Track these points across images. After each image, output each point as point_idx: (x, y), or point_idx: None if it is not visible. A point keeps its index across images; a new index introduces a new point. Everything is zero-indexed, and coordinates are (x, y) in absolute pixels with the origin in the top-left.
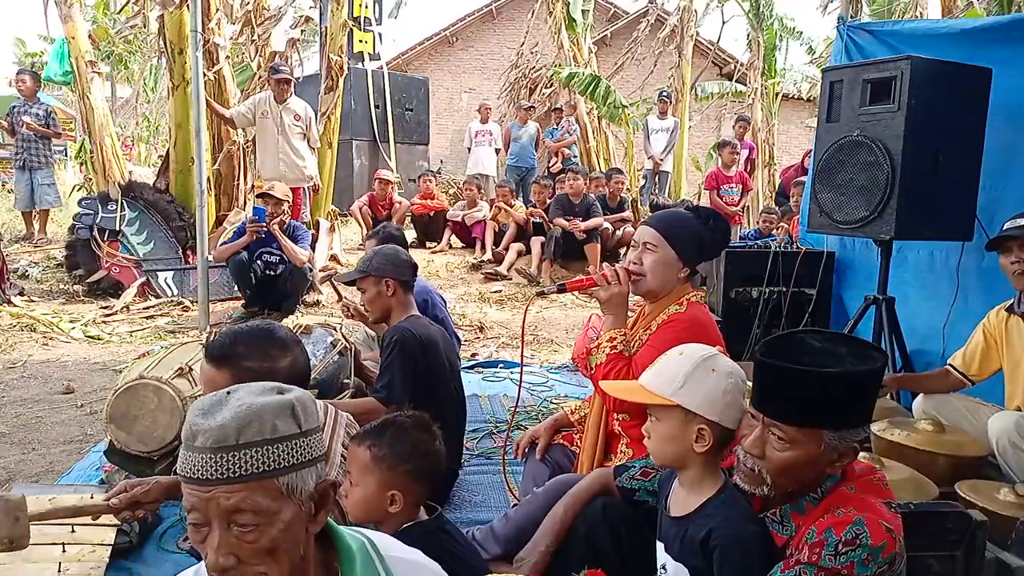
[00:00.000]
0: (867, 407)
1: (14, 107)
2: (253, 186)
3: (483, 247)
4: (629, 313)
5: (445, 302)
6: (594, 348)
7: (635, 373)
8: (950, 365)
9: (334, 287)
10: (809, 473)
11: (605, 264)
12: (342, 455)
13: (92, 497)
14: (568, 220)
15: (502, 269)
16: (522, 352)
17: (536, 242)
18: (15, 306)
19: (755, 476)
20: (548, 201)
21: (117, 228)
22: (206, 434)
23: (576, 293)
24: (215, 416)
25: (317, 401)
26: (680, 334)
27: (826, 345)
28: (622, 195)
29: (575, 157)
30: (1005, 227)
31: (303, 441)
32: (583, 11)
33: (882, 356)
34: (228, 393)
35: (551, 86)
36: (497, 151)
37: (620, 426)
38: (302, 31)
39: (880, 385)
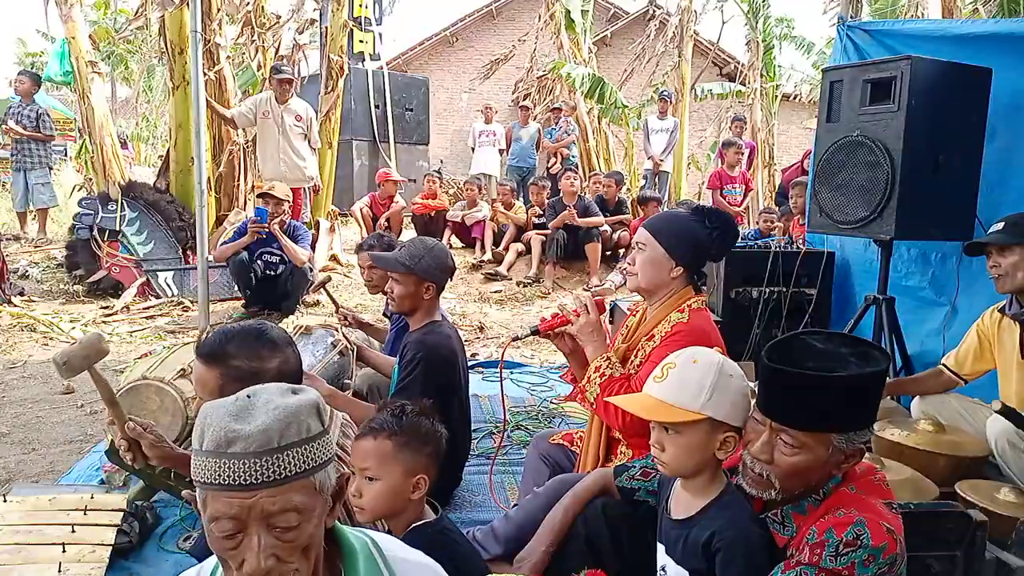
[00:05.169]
0: (873, 408)
1: (11, 108)
2: (253, 186)
3: (483, 247)
4: (630, 315)
5: None
6: (585, 384)
7: (638, 388)
8: (943, 365)
9: (329, 296)
10: (817, 475)
11: (570, 298)
12: (338, 455)
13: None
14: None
15: (502, 269)
16: (501, 387)
17: (536, 240)
18: (15, 306)
19: (763, 481)
20: (546, 202)
21: (117, 228)
22: (247, 439)
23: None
24: (250, 421)
25: None
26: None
27: (828, 347)
28: (620, 197)
29: (574, 157)
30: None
31: (327, 438)
32: (583, 11)
33: (885, 356)
34: (249, 397)
35: (550, 89)
36: (501, 152)
37: (622, 433)
38: (311, 35)
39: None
